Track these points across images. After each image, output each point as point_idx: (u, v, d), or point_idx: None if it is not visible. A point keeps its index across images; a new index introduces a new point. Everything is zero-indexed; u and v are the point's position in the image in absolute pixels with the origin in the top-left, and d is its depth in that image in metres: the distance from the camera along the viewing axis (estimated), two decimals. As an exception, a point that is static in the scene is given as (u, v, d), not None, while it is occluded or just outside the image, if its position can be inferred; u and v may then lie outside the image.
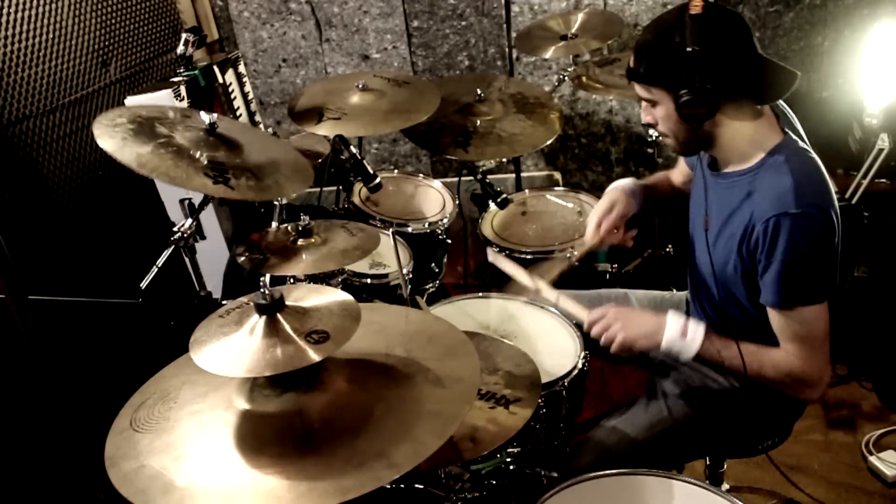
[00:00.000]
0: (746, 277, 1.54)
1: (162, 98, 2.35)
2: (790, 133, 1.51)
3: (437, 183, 2.77)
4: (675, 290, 2.03)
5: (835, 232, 1.44)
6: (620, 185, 1.87)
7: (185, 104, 2.38)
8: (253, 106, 2.83)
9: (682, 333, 1.54)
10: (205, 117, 1.70)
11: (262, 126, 3.01)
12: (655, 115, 1.54)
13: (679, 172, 1.96)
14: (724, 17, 1.43)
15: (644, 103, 1.56)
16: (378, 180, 2.21)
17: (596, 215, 1.83)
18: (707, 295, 1.69)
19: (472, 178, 2.58)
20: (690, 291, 1.83)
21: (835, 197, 1.47)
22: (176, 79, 2.44)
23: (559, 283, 1.82)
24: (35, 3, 2.40)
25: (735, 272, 1.56)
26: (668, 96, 1.48)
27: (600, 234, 1.81)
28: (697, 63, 1.40)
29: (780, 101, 1.55)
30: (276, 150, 1.86)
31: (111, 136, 1.54)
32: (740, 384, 1.69)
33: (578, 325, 1.90)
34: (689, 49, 1.39)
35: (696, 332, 1.53)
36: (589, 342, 1.85)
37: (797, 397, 1.55)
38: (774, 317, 1.50)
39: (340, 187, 2.90)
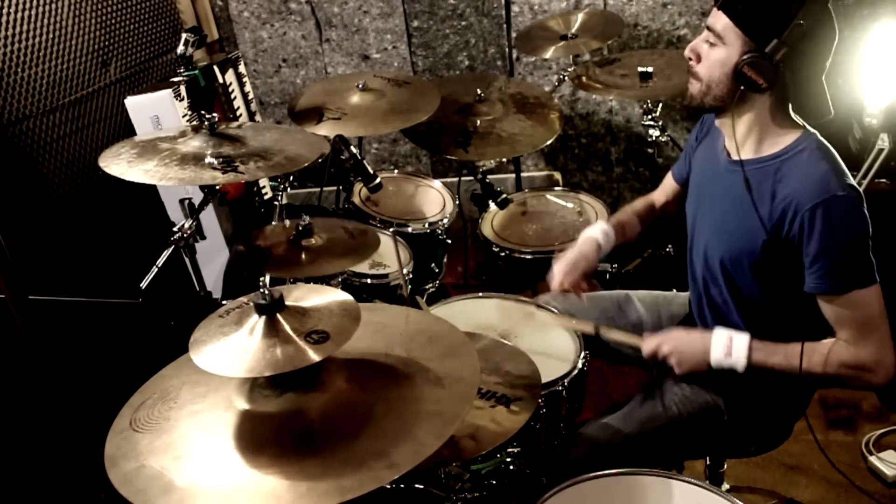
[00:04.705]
0: (766, 268, 1.53)
1: (162, 98, 2.35)
2: (808, 126, 1.52)
3: (437, 183, 2.77)
4: (675, 291, 2.03)
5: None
6: (593, 237, 1.84)
7: (185, 104, 2.38)
8: (253, 106, 2.83)
9: (726, 353, 1.55)
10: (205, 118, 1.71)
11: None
12: (708, 54, 1.49)
13: (662, 192, 1.95)
14: (834, 20, 1.42)
15: (707, 34, 1.49)
16: (378, 180, 2.21)
17: (562, 269, 1.79)
18: (713, 292, 1.68)
19: (472, 178, 2.58)
20: (693, 291, 1.81)
21: None
22: (176, 79, 2.44)
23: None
24: (35, 3, 2.40)
25: (753, 262, 1.54)
26: (742, 46, 1.44)
27: (564, 287, 1.79)
28: (796, 39, 1.38)
29: None
30: (278, 133, 1.89)
31: (116, 163, 1.62)
32: (740, 384, 1.69)
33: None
34: (800, 21, 1.37)
35: (739, 349, 1.54)
36: (589, 342, 1.84)
37: (863, 386, 1.53)
38: (827, 305, 1.48)
39: (340, 187, 2.91)
